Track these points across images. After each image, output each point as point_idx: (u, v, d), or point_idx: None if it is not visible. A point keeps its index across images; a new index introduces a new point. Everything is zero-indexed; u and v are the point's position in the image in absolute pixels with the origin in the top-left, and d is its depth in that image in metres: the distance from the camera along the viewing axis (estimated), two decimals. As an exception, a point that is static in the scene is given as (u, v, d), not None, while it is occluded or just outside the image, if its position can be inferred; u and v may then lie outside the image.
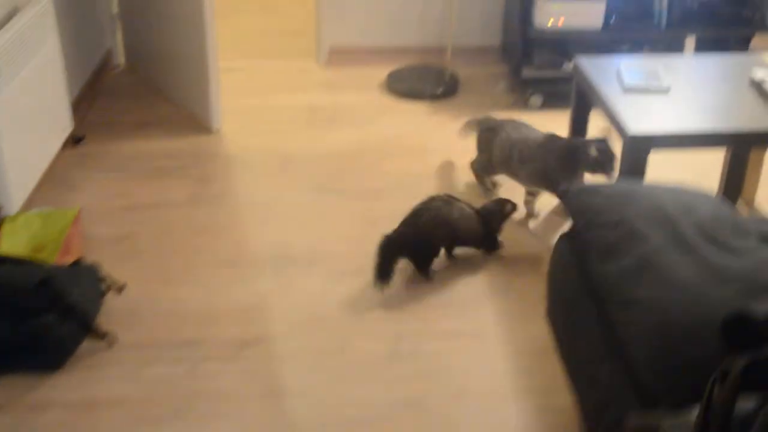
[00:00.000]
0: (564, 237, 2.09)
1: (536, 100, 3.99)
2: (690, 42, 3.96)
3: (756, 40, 4.06)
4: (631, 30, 3.93)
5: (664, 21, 3.92)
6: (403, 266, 2.77)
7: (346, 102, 4.04)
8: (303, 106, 4.00)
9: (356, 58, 4.44)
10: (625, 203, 1.92)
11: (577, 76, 2.98)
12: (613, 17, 3.89)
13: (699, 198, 2.00)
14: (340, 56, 4.45)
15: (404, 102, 4.05)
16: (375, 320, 2.59)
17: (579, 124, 3.09)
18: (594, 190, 2.02)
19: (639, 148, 2.50)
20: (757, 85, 2.74)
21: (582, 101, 3.02)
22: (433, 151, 3.57)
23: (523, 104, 4.01)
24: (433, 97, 4.07)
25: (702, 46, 3.99)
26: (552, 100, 3.98)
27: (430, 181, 3.33)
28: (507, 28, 4.31)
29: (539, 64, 4.05)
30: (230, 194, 3.25)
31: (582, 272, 1.91)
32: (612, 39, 4.04)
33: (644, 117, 2.54)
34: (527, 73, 4.05)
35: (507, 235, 2.95)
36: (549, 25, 3.86)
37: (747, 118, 2.54)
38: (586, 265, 1.89)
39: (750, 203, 3.20)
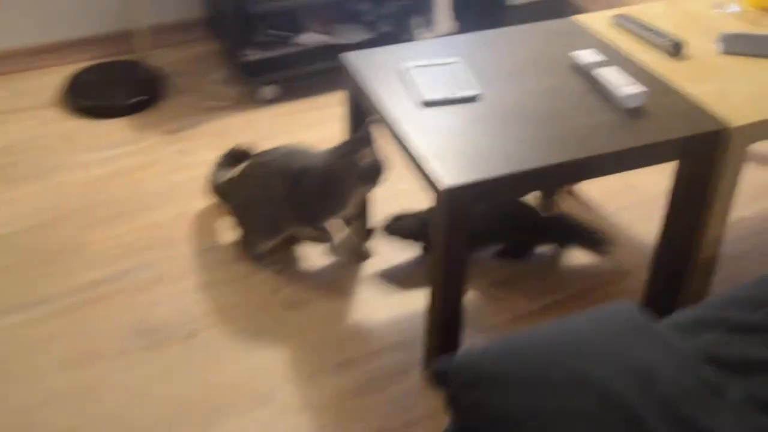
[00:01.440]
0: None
1: (269, 91, 3.09)
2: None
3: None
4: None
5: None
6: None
7: (14, 136, 2.89)
8: (-51, 154, 2.81)
9: (14, 64, 3.24)
10: (541, 390, 1.15)
11: (349, 80, 2.13)
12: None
13: (634, 336, 1.28)
14: (-10, 65, 3.23)
15: (96, 122, 2.97)
16: None
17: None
18: (477, 368, 1.22)
19: (459, 203, 1.72)
20: (583, 73, 2.05)
21: (358, 110, 2.19)
22: (156, 198, 2.58)
23: (252, 98, 3.10)
24: (134, 108, 3.03)
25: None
26: (290, 88, 3.11)
27: (172, 250, 2.37)
28: (211, -3, 3.32)
29: (263, 43, 3.14)
30: None
31: None
32: (349, -2, 3.22)
33: (457, 152, 1.76)
34: (250, 55, 3.11)
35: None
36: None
37: (591, 132, 1.85)
38: None
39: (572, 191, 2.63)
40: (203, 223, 2.47)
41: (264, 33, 3.13)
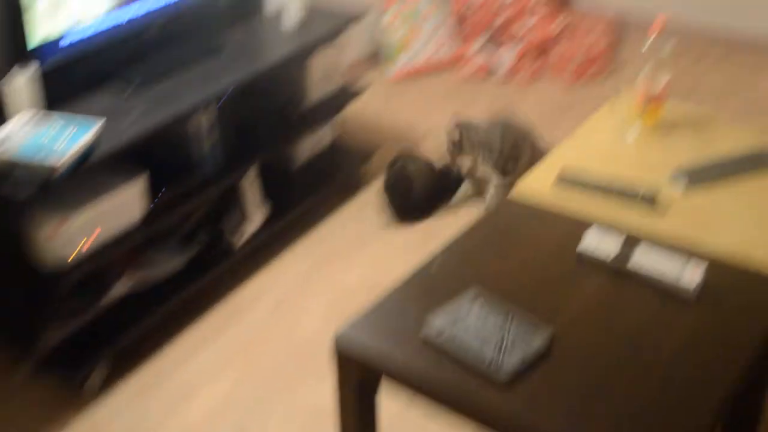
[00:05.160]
0: None
1: (96, 376, 2.31)
2: (251, 174, 2.70)
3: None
4: (178, 199, 2.48)
5: (211, 167, 2.57)
6: None
7: None
8: None
9: None
10: None
11: (356, 364, 1.58)
12: (156, 197, 2.39)
13: None
14: None
15: None
16: None
17: None
18: None
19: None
20: (611, 269, 1.68)
21: (367, 394, 1.64)
22: None
23: (76, 390, 2.29)
24: None
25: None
26: (120, 365, 2.36)
27: None
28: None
29: (61, 316, 2.33)
30: None
31: None
32: (158, 222, 2.54)
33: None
34: (50, 338, 2.28)
35: None
36: (78, 249, 2.19)
37: (693, 360, 1.52)
38: None
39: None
40: None
41: (59, 303, 2.34)
